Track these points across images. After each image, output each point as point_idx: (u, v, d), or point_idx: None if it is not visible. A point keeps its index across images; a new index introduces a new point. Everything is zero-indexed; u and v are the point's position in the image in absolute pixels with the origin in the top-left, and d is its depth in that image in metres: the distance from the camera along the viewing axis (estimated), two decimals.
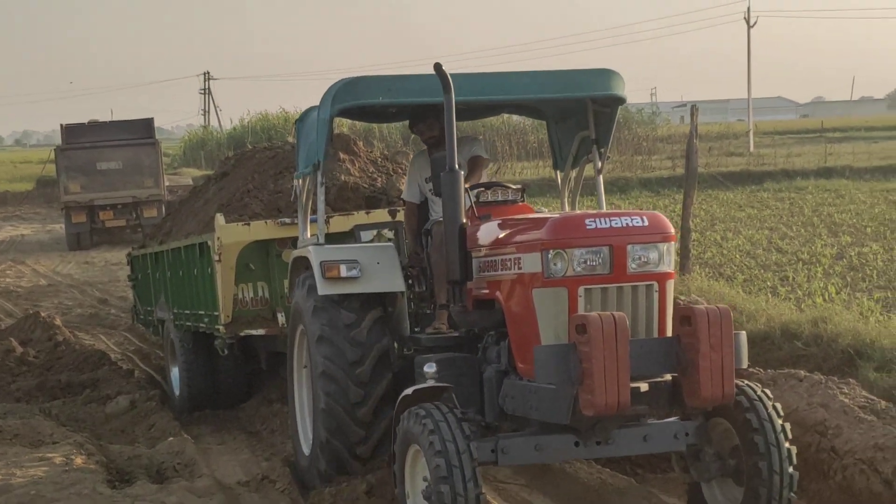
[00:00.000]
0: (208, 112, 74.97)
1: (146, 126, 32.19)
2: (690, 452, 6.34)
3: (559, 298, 5.98)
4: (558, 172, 8.55)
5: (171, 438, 9.49)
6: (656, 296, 6.03)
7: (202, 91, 75.85)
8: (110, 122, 33.84)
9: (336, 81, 7.42)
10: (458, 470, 5.66)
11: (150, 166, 31.11)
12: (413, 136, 8.78)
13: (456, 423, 5.80)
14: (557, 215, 6.39)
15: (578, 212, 7.04)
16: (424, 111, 8.00)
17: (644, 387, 5.81)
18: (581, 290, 5.93)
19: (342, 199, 10.56)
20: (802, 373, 8.01)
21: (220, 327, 10.11)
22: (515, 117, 42.25)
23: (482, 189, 7.25)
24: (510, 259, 6.37)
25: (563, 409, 5.75)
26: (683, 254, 13.58)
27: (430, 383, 6.28)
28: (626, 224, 6.00)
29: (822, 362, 8.88)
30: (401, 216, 9.27)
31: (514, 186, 7.39)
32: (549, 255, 5.98)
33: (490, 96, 7.59)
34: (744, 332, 6.07)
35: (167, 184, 32.73)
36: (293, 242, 9.26)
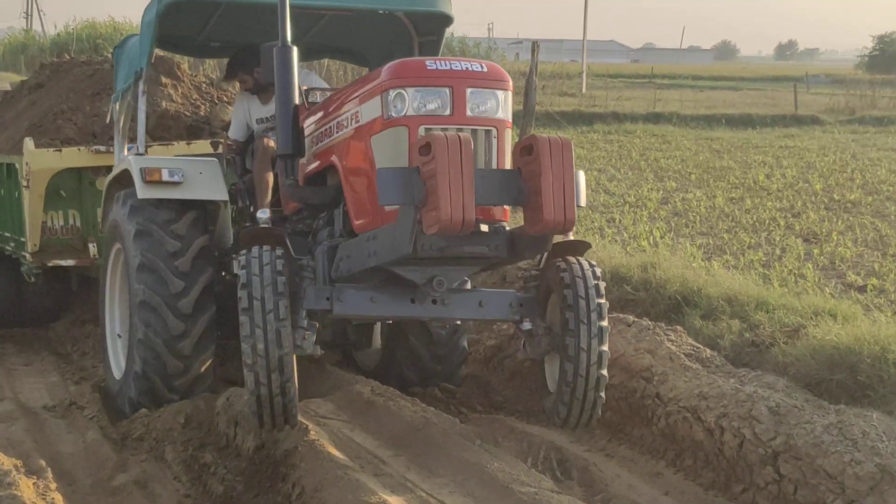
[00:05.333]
0: (31, 15, 72.49)
1: None
2: (526, 329, 6.34)
3: (399, 138, 5.85)
4: None
5: None
6: (495, 142, 5.95)
7: None
8: None
9: None
10: (260, 330, 5.63)
11: None
12: None
13: (272, 270, 5.71)
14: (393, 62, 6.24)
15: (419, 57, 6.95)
16: (240, 59, 7.97)
17: (484, 227, 5.79)
18: (422, 129, 5.81)
19: (162, 128, 10.12)
20: (631, 318, 8.02)
21: (27, 255, 9.58)
22: None
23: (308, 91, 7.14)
24: (346, 117, 6.28)
25: (405, 236, 5.63)
26: None
27: (264, 227, 6.16)
28: (466, 68, 5.92)
29: (650, 308, 8.90)
30: (223, 150, 9.04)
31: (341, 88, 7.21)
32: (390, 97, 5.86)
33: (314, 1, 7.40)
34: (582, 172, 6.06)
35: None
36: (107, 171, 8.75)
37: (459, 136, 5.49)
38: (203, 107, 10.63)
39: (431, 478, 5.94)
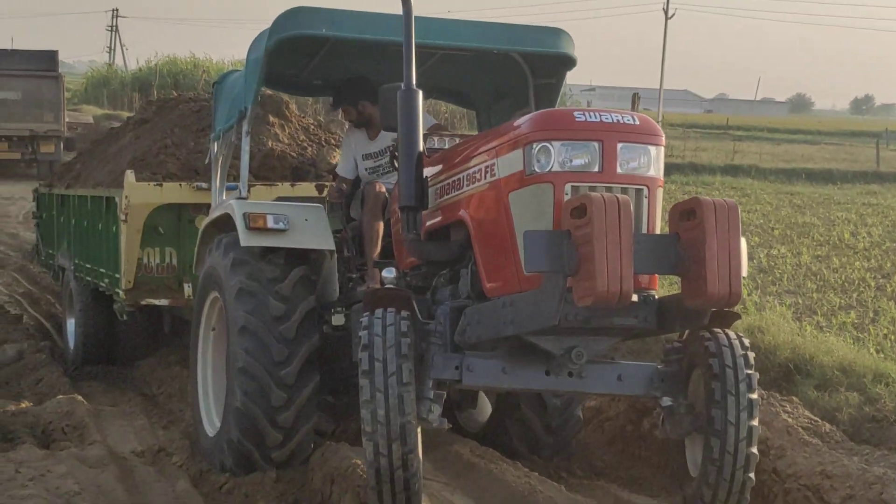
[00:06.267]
0: (114, 50, 73.73)
1: (49, 58, 30.97)
2: (666, 406, 5.80)
3: (543, 197, 5.32)
4: None
5: (61, 396, 8.86)
6: (646, 202, 5.42)
7: (109, 28, 74.54)
8: (11, 50, 32.59)
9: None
10: (381, 395, 5.23)
11: (50, 100, 29.99)
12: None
13: (396, 331, 5.31)
14: (537, 112, 5.77)
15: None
16: (348, 88, 7.65)
17: (634, 296, 5.17)
18: (568, 187, 5.29)
19: (266, 168, 9.87)
20: None
21: (120, 292, 9.39)
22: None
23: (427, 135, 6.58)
24: (479, 170, 5.75)
25: (551, 306, 5.10)
26: None
27: (389, 286, 5.82)
28: (618, 120, 5.41)
29: (760, 375, 8.56)
30: (329, 193, 8.76)
31: (459, 134, 6.78)
32: (534, 150, 5.32)
33: (432, 40, 6.93)
34: (744, 238, 5.41)
35: (67, 120, 31.58)
36: (207, 209, 8.42)
37: (618, 199, 5.00)
38: (310, 148, 10.36)
39: None
